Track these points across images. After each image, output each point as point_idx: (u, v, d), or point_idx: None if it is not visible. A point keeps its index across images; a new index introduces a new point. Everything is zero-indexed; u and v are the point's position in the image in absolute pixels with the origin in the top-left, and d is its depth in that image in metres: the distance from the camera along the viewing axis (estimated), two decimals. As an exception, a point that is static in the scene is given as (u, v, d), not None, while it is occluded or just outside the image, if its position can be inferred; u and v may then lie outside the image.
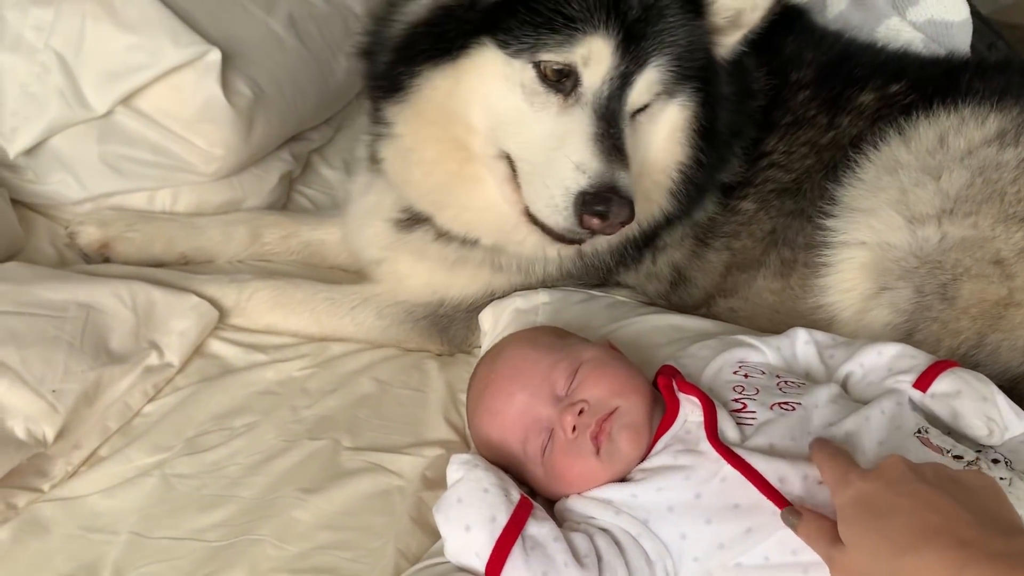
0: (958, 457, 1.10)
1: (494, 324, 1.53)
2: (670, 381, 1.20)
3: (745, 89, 1.61)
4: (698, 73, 1.44)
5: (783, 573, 1.05)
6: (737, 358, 1.27)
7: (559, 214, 1.30)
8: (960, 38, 1.99)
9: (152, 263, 1.66)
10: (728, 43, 1.50)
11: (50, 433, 1.23)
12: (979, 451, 1.16)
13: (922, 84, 1.59)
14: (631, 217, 1.28)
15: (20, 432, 1.21)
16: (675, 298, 1.68)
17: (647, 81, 1.37)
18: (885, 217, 1.45)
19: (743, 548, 1.06)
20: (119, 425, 1.33)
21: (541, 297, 1.54)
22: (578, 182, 1.28)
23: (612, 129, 1.31)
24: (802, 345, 1.33)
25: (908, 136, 1.49)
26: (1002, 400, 1.20)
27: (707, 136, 1.49)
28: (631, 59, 1.32)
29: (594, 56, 1.30)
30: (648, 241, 1.60)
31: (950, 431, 1.19)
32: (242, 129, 1.73)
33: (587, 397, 1.15)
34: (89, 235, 1.64)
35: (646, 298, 1.67)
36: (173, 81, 1.65)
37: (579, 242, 1.41)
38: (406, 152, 1.51)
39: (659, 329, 1.47)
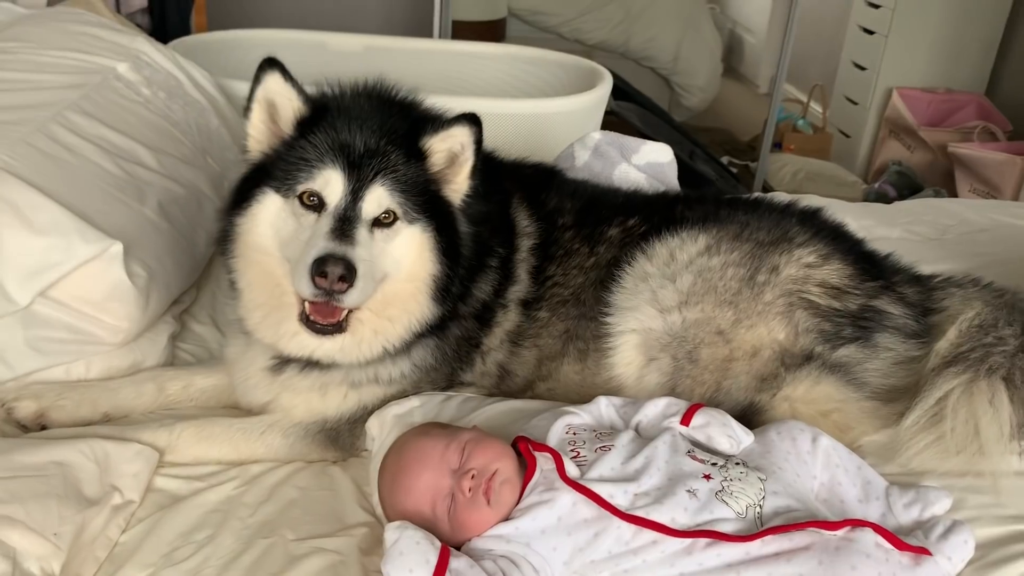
0: (714, 464, 1.65)
1: (380, 429, 1.92)
2: (527, 445, 1.68)
3: (503, 231, 2.11)
4: (430, 208, 1.86)
5: (621, 558, 1.52)
6: (566, 423, 1.75)
7: (303, 284, 1.70)
8: (670, 173, 2.71)
9: (82, 424, 1.94)
10: (460, 180, 1.91)
11: (57, 568, 1.51)
12: (727, 459, 1.69)
13: (650, 217, 2.16)
14: (346, 274, 1.68)
15: (36, 571, 1.48)
16: (504, 387, 2.15)
17: (375, 196, 1.78)
18: (645, 311, 1.99)
19: (593, 548, 1.53)
20: (106, 554, 1.62)
21: (413, 402, 1.96)
22: (312, 255, 1.70)
23: (345, 226, 1.73)
24: (605, 408, 1.83)
25: (650, 254, 2.05)
26: (735, 424, 1.76)
27: (453, 258, 1.91)
28: (357, 181, 1.77)
29: (329, 182, 1.79)
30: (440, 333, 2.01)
31: (707, 449, 1.73)
32: (142, 303, 2.06)
33: (475, 466, 1.58)
34: (26, 408, 1.90)
35: (484, 391, 2.13)
36: (84, 272, 1.94)
37: (331, 329, 1.79)
38: (247, 302, 1.96)
39: (505, 413, 1.93)
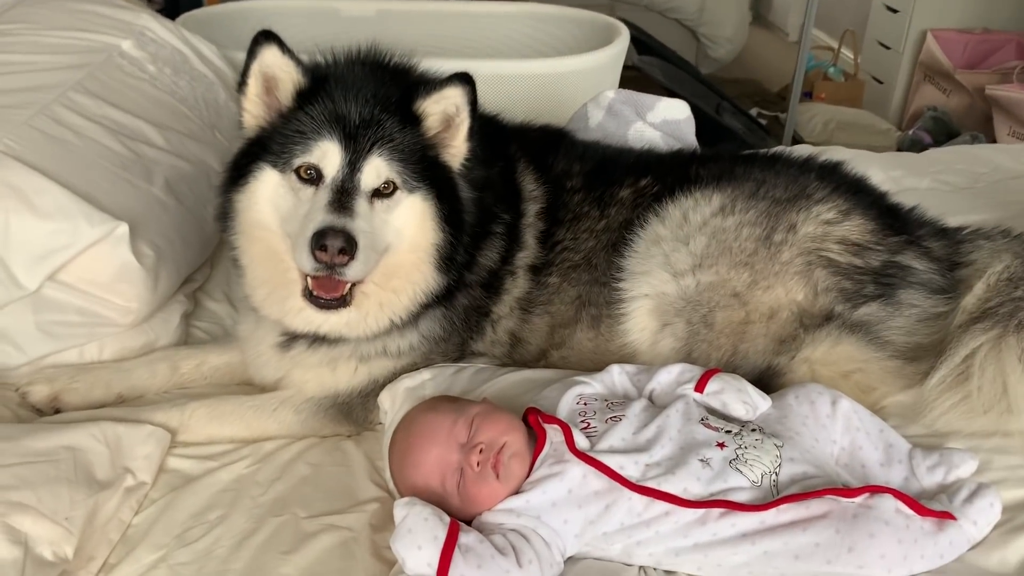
0: (728, 431, 1.61)
1: (392, 403, 1.90)
2: (536, 417, 1.65)
3: (509, 196, 2.06)
4: (430, 175, 1.83)
5: (633, 530, 1.51)
6: (577, 393, 1.72)
7: (304, 259, 1.69)
8: (687, 130, 2.64)
9: (95, 406, 1.95)
10: (457, 144, 1.87)
11: (70, 552, 1.52)
12: (743, 425, 1.65)
13: (662, 177, 2.10)
14: (346, 247, 1.66)
15: (48, 555, 1.49)
16: (516, 356, 2.12)
17: (373, 167, 1.75)
18: (658, 275, 1.95)
19: (605, 520, 1.51)
20: (119, 536, 1.63)
21: (425, 375, 1.93)
22: (311, 229, 1.68)
23: (344, 198, 1.71)
24: (617, 376, 1.80)
25: (662, 216, 2.00)
26: (751, 389, 1.72)
27: (456, 226, 1.88)
28: (354, 152, 1.75)
29: (327, 154, 1.76)
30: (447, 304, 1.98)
31: (723, 416, 1.69)
32: (151, 283, 2.06)
33: (483, 440, 1.57)
34: (40, 392, 1.91)
35: (497, 361, 2.10)
36: (91, 254, 1.94)
37: (335, 303, 1.78)
38: (251, 279, 1.94)
39: (516, 383, 1.91)
